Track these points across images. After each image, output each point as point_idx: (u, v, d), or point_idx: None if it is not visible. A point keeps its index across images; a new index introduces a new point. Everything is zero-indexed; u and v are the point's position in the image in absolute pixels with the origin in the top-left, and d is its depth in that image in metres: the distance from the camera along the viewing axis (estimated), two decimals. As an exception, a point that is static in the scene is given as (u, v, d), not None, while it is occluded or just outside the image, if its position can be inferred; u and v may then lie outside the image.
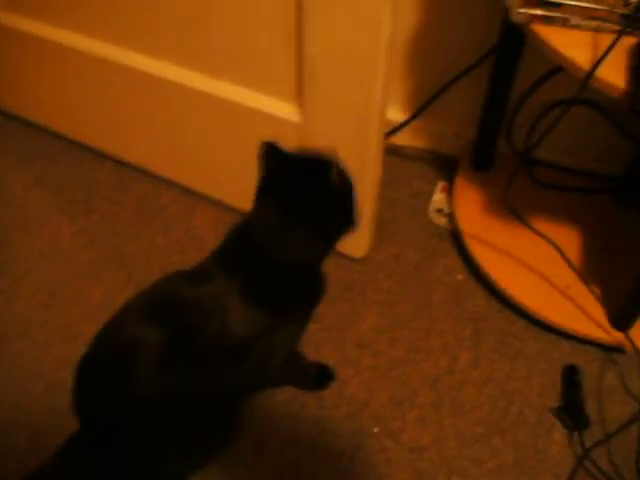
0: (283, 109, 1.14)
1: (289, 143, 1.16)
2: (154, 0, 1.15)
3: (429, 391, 1.17)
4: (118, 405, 0.90)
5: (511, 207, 1.20)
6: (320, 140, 1.13)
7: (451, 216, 1.37)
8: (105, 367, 0.93)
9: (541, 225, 1.23)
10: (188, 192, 1.44)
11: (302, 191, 0.90)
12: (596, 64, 0.89)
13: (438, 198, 1.41)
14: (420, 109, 1.40)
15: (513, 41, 1.18)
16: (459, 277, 1.31)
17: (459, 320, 1.25)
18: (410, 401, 1.15)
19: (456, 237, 1.34)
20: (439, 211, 1.39)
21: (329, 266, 1.29)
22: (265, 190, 0.94)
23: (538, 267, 1.25)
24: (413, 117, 1.42)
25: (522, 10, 0.96)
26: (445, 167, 1.47)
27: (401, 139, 1.47)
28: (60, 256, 1.35)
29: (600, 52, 0.90)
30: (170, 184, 1.45)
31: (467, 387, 1.17)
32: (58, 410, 1.12)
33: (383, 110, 1.08)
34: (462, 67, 1.30)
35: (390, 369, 1.19)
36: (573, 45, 0.94)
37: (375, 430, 1.12)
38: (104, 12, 1.25)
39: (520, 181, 1.31)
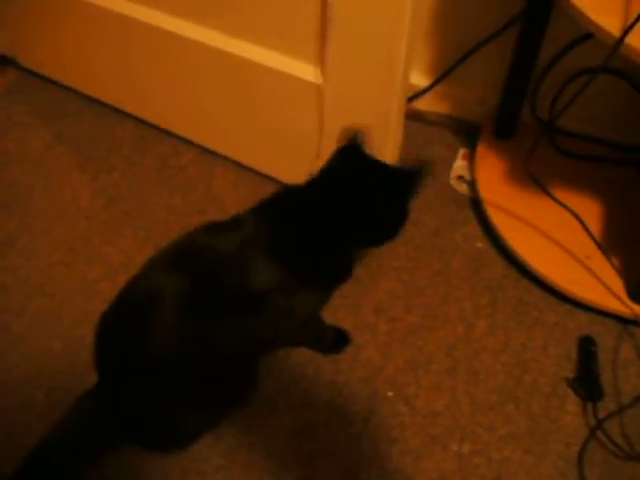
0: (304, 70, 1.13)
1: (310, 104, 1.16)
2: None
3: (444, 358, 1.17)
4: (137, 355, 0.92)
5: (533, 176, 1.19)
6: (341, 102, 1.13)
7: (472, 183, 1.36)
8: (127, 317, 0.94)
9: (562, 195, 1.22)
10: (208, 153, 1.44)
11: (374, 191, 0.95)
12: (627, 30, 0.87)
13: (459, 165, 1.40)
14: (443, 74, 1.38)
15: (541, 6, 1.16)
16: (478, 245, 1.30)
17: (477, 288, 1.25)
18: (425, 367, 1.16)
19: (476, 205, 1.34)
20: (460, 178, 1.38)
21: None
22: (336, 174, 0.97)
23: (558, 237, 1.24)
24: (436, 82, 1.40)
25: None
26: (467, 134, 1.45)
27: (423, 104, 1.45)
28: (80, 214, 1.36)
29: (631, 19, 0.88)
30: (190, 144, 1.45)
31: (483, 355, 1.17)
32: (77, 366, 1.14)
33: (406, 74, 1.07)
34: (487, 32, 1.28)
35: (406, 335, 1.19)
36: (603, 11, 0.92)
37: (390, 394, 1.13)
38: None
39: (543, 150, 1.30)
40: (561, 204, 1.18)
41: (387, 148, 1.16)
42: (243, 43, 1.17)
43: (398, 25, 0.98)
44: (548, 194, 1.20)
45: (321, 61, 1.10)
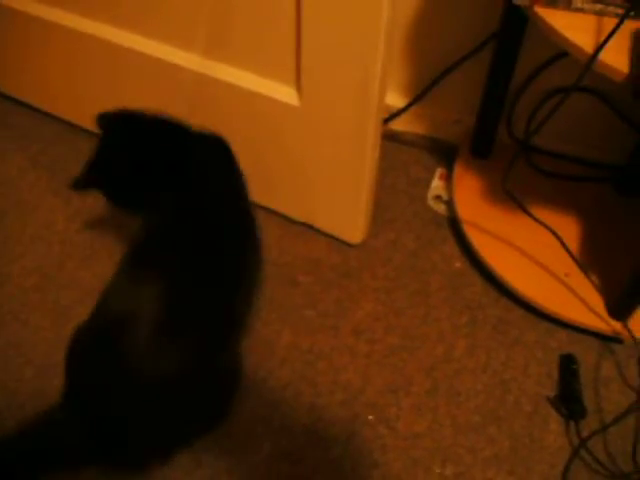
0: (281, 91, 1.12)
1: (287, 126, 1.16)
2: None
3: (425, 379, 1.16)
4: (111, 369, 0.90)
5: (510, 194, 1.19)
6: (318, 123, 1.12)
7: (450, 203, 1.35)
8: (99, 332, 0.93)
9: (540, 213, 1.21)
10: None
11: None
12: (599, 47, 0.87)
13: (436, 185, 1.40)
14: (419, 95, 1.39)
15: (514, 25, 1.16)
16: (457, 264, 1.30)
17: (456, 308, 1.24)
18: (405, 389, 1.14)
19: (454, 224, 1.33)
20: (437, 198, 1.38)
21: (326, 252, 1.30)
22: None
23: (536, 255, 1.23)
24: (412, 103, 1.41)
25: (525, -8, 0.94)
26: (444, 154, 1.45)
27: (400, 125, 1.45)
28: (54, 239, 1.34)
29: (603, 36, 0.88)
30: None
31: (463, 375, 1.16)
32: (49, 392, 1.11)
33: (382, 95, 1.07)
34: (462, 52, 1.29)
35: (386, 356, 1.18)
36: (576, 28, 0.92)
37: (370, 417, 1.11)
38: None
39: (520, 169, 1.31)
40: (539, 222, 1.18)
41: (364, 169, 1.16)
42: (221, 65, 1.16)
43: (374, 47, 0.98)
44: (526, 212, 1.20)
45: (298, 83, 1.10)
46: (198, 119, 1.29)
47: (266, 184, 1.30)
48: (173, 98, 1.28)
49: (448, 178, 1.39)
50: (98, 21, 1.28)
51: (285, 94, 1.12)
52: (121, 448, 0.96)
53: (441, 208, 1.37)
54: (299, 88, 1.10)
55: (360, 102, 1.06)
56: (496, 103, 1.31)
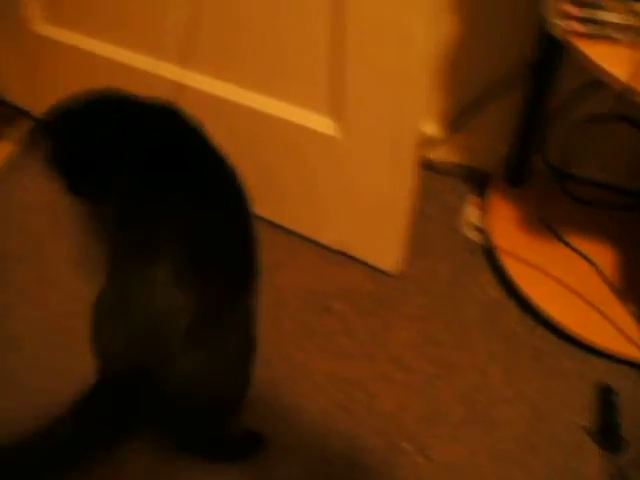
0: (320, 123, 1.14)
1: (325, 156, 1.17)
2: (195, 14, 1.15)
3: (460, 407, 1.15)
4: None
5: (546, 223, 1.19)
6: (357, 153, 1.13)
7: (484, 231, 1.36)
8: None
9: (576, 241, 1.21)
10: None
11: None
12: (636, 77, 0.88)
13: (471, 213, 1.40)
14: (458, 126, 1.39)
15: (550, 55, 1.17)
16: (492, 292, 1.29)
17: (492, 336, 1.23)
18: (441, 417, 1.14)
19: (489, 252, 1.33)
20: (472, 226, 1.38)
21: (361, 280, 1.30)
22: None
23: (572, 283, 1.23)
24: (450, 133, 1.41)
25: (561, 23, 0.95)
26: (477, 182, 1.46)
27: (433, 153, 1.46)
28: (91, 264, 1.36)
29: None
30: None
31: (499, 404, 1.16)
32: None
33: (418, 124, 1.08)
34: (496, 81, 1.30)
35: (421, 384, 1.18)
36: (612, 58, 0.93)
37: (406, 446, 1.11)
38: (139, 25, 1.26)
39: (555, 197, 1.31)
40: (575, 250, 1.18)
41: (400, 197, 1.17)
42: (260, 96, 1.18)
43: (411, 79, 0.99)
44: (562, 241, 1.20)
45: (337, 114, 1.11)
46: (235, 148, 1.31)
47: (302, 212, 1.32)
48: (210, 128, 1.31)
49: (482, 206, 1.40)
50: (131, 50, 1.31)
51: (324, 125, 1.14)
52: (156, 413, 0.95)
53: (475, 236, 1.37)
54: (338, 119, 1.12)
55: (399, 133, 1.07)
56: (530, 131, 1.31)
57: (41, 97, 1.58)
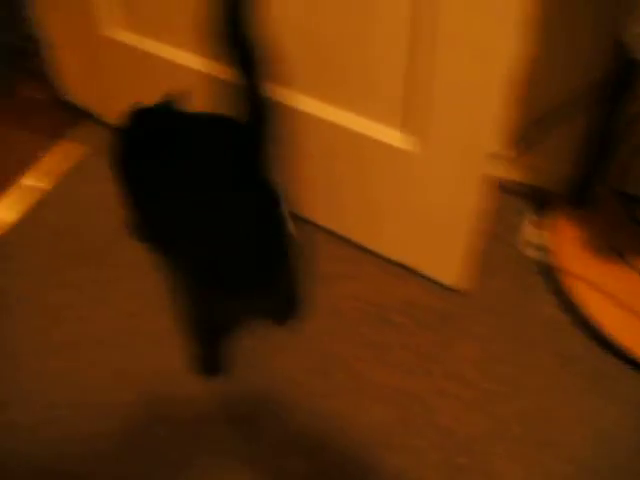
0: (395, 137, 1.15)
1: (399, 170, 1.18)
2: (281, 31, 1.17)
3: (518, 426, 1.15)
4: None
5: (608, 243, 1.19)
6: (430, 168, 1.14)
7: (545, 251, 1.35)
8: None
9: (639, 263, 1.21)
10: (306, 223, 1.46)
11: None
12: None
13: (530, 231, 1.40)
14: (522, 144, 1.40)
15: (623, 77, 1.17)
16: (553, 313, 1.29)
17: (552, 356, 1.23)
18: (499, 435, 1.14)
19: (550, 272, 1.33)
20: (533, 246, 1.38)
21: (422, 294, 1.31)
22: None
23: (635, 306, 1.22)
24: (515, 151, 1.41)
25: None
26: (540, 201, 1.46)
27: (497, 171, 1.46)
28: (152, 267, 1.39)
29: None
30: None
31: (558, 424, 1.15)
32: (146, 420, 1.15)
33: (494, 142, 1.08)
34: (565, 101, 1.30)
35: (480, 401, 1.18)
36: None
37: (463, 461, 1.11)
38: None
39: (619, 219, 1.30)
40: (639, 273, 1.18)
41: (471, 215, 1.17)
42: (338, 110, 1.20)
43: (490, 98, 1.00)
44: (626, 263, 1.19)
45: (413, 129, 1.12)
46: (313, 163, 1.32)
47: (367, 224, 1.32)
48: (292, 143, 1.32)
49: (540, 224, 1.39)
50: (207, 58, 1.33)
51: (399, 139, 1.15)
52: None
53: (536, 255, 1.37)
54: (413, 134, 1.13)
55: (475, 149, 1.07)
56: (597, 153, 1.31)
57: (105, 100, 1.63)
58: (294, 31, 1.14)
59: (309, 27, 1.12)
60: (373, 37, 1.06)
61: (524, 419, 1.16)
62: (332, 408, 1.17)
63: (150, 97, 1.48)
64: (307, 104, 1.23)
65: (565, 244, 1.33)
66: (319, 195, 1.36)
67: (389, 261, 1.36)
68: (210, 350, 1.21)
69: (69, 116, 1.70)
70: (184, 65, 1.36)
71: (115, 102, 1.59)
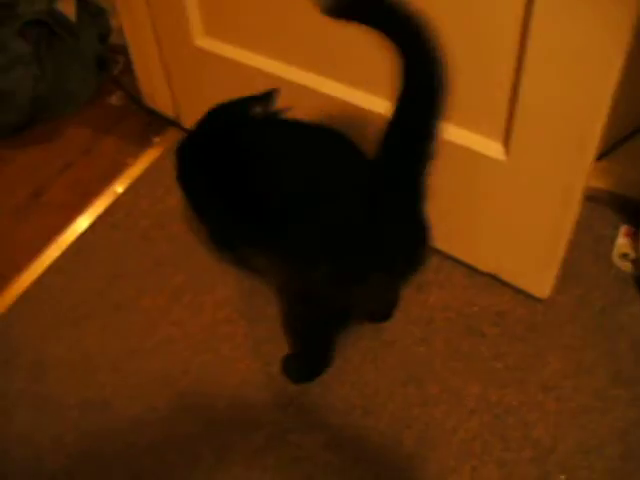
0: (489, 146, 1.14)
1: (490, 179, 1.17)
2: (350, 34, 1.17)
3: (618, 442, 1.13)
4: None
5: None
6: (524, 178, 1.13)
7: (637, 262, 1.33)
8: None
9: None
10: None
11: None
12: None
13: (622, 242, 1.38)
14: (608, 150, 1.37)
15: None
16: (647, 326, 1.27)
17: (644, 369, 1.21)
18: (598, 451, 1.12)
19: (644, 285, 1.31)
20: (624, 256, 1.36)
21: (512, 305, 1.29)
22: None
23: None
24: (599, 158, 1.39)
25: None
26: (628, 210, 1.43)
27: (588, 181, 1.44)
28: (242, 273, 1.40)
29: None
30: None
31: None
32: (241, 423, 1.17)
33: (593, 158, 1.07)
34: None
35: (576, 415, 1.16)
36: None
37: (562, 477, 1.10)
38: (296, 40, 1.30)
39: None
40: None
41: (564, 225, 1.16)
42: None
43: (592, 119, 0.99)
44: None
45: (508, 141, 1.11)
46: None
47: (457, 234, 1.32)
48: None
49: (635, 236, 1.37)
50: (295, 66, 1.34)
51: (492, 149, 1.14)
52: None
53: (628, 266, 1.35)
54: (507, 144, 1.12)
55: (573, 160, 1.06)
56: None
57: (189, 106, 1.65)
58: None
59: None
60: (481, 51, 1.05)
61: (624, 436, 1.13)
62: (427, 419, 1.17)
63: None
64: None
65: (661, 257, 1.30)
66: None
67: (477, 271, 1.35)
68: (319, 352, 1.22)
69: (156, 124, 1.73)
70: (269, 72, 1.37)
71: (202, 109, 1.62)
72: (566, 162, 1.07)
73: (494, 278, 1.33)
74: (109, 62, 1.85)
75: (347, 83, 1.28)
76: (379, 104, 1.25)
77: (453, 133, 1.16)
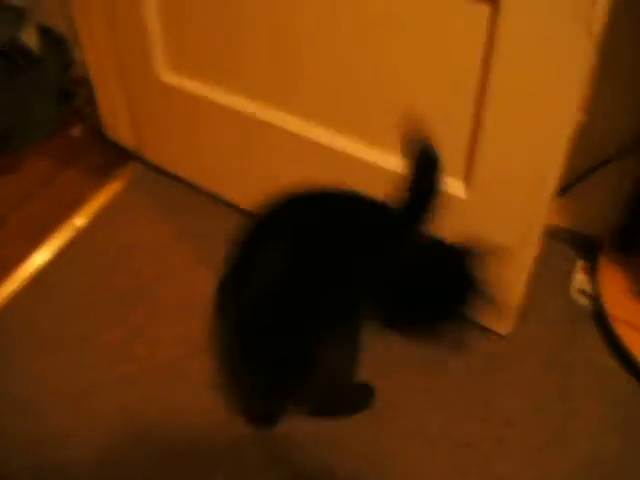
0: (449, 184, 1.16)
1: (452, 217, 1.19)
2: (311, 66, 1.19)
3: (580, 477, 1.14)
4: None
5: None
6: (482, 216, 1.15)
7: (594, 298, 1.35)
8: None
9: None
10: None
11: None
12: None
13: (580, 278, 1.40)
14: (566, 187, 1.40)
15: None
16: (604, 360, 1.29)
17: (606, 405, 1.22)
18: (557, 485, 1.13)
19: (600, 319, 1.33)
20: (581, 292, 1.38)
21: (475, 340, 1.31)
22: None
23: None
24: (559, 195, 1.42)
25: None
26: (586, 246, 1.46)
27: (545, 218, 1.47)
28: (202, 310, 1.38)
29: None
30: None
31: (620, 475, 1.14)
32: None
33: (552, 196, 1.09)
34: (611, 148, 1.30)
35: (536, 451, 1.17)
36: None
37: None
38: (259, 75, 1.31)
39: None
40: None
41: (525, 261, 1.18)
42: (388, 156, 1.21)
43: (552, 155, 1.02)
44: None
45: (468, 178, 1.13)
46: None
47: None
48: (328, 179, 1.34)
49: (591, 271, 1.40)
50: (260, 103, 1.35)
51: (452, 186, 1.16)
52: None
53: (585, 302, 1.37)
54: (468, 181, 1.14)
55: (533, 198, 1.08)
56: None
57: (151, 140, 1.65)
58: (365, 80, 1.16)
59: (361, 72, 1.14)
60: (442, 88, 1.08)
61: (587, 470, 1.15)
62: (390, 452, 1.17)
63: (205, 142, 1.51)
64: (356, 148, 1.26)
65: (614, 290, 1.33)
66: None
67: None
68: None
69: (117, 157, 1.72)
70: (233, 108, 1.38)
71: (167, 145, 1.62)
72: (526, 200, 1.09)
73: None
74: (72, 94, 1.84)
75: (317, 121, 1.29)
76: (341, 141, 1.27)
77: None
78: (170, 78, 1.45)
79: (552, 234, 1.48)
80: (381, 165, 1.23)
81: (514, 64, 0.96)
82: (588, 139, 1.34)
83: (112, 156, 1.73)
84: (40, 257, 1.50)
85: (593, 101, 1.28)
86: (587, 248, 1.46)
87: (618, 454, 1.16)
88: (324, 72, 1.20)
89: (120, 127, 1.69)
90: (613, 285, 1.34)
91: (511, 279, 1.21)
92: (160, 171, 1.67)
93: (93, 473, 1.16)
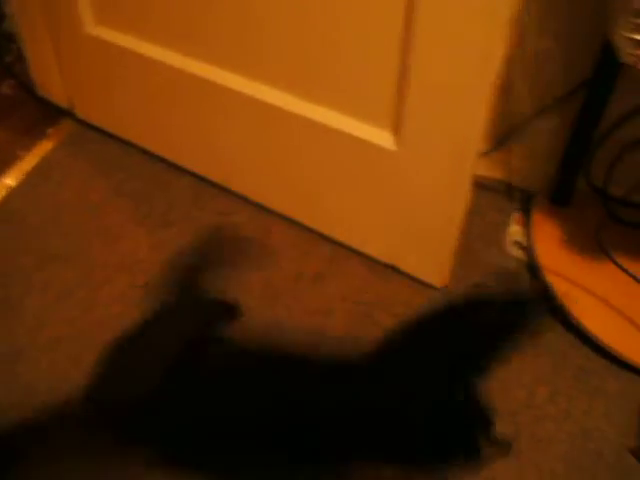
0: (378, 136, 1.15)
1: (381, 169, 1.18)
2: (256, 23, 1.16)
3: (508, 424, 1.16)
4: None
5: (597, 243, 1.20)
6: (414, 168, 1.14)
7: (529, 250, 1.37)
8: None
9: (625, 262, 1.22)
10: (264, 211, 1.45)
11: None
12: None
13: (514, 230, 1.41)
14: (501, 140, 1.41)
15: (608, 78, 1.18)
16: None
17: (537, 354, 1.24)
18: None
19: (533, 270, 1.34)
20: (516, 243, 1.39)
21: (409, 293, 1.31)
22: None
23: (618, 303, 1.24)
24: (495, 148, 1.42)
25: (634, 52, 0.96)
26: (519, 198, 1.47)
27: (477, 169, 1.47)
28: (138, 267, 1.37)
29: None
30: (246, 203, 1.47)
31: (545, 422, 1.16)
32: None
33: (479, 143, 1.09)
34: (547, 100, 1.31)
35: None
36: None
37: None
38: (198, 31, 1.27)
39: (601, 218, 1.32)
40: (623, 269, 1.19)
41: (454, 214, 1.18)
42: (319, 108, 1.19)
43: (479, 100, 1.01)
44: (613, 261, 1.21)
45: (397, 129, 1.13)
46: (288, 158, 1.32)
47: (351, 224, 1.33)
48: (264, 137, 1.32)
49: (525, 223, 1.41)
50: (189, 56, 1.32)
51: (382, 138, 1.15)
52: None
53: (519, 253, 1.38)
54: (397, 133, 1.13)
55: (460, 149, 1.08)
56: (579, 151, 1.32)
57: (83, 97, 1.60)
58: (284, 29, 1.14)
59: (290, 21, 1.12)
60: (360, 33, 1.06)
61: (514, 417, 1.17)
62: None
63: (134, 97, 1.48)
64: (288, 101, 1.24)
65: (546, 242, 1.34)
66: (301, 194, 1.37)
67: (374, 260, 1.36)
68: None
69: (49, 115, 1.67)
70: (163, 62, 1.35)
71: (97, 102, 1.58)
72: (454, 151, 1.09)
73: (391, 268, 1.35)
74: (1, 49, 1.78)
75: (240, 72, 1.27)
76: (261, 90, 1.25)
77: (342, 122, 1.17)
78: (97, 30, 1.41)
79: (488, 187, 1.49)
80: (306, 116, 1.22)
81: (437, 7, 0.94)
82: (526, 92, 1.35)
83: (44, 114, 1.68)
84: (-32, 218, 1.46)
85: (533, 55, 1.28)
86: (523, 200, 1.47)
87: (545, 400, 1.19)
88: (239, 14, 1.17)
89: (51, 84, 1.64)
90: (545, 237, 1.35)
91: (443, 231, 1.22)
92: (93, 128, 1.63)
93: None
